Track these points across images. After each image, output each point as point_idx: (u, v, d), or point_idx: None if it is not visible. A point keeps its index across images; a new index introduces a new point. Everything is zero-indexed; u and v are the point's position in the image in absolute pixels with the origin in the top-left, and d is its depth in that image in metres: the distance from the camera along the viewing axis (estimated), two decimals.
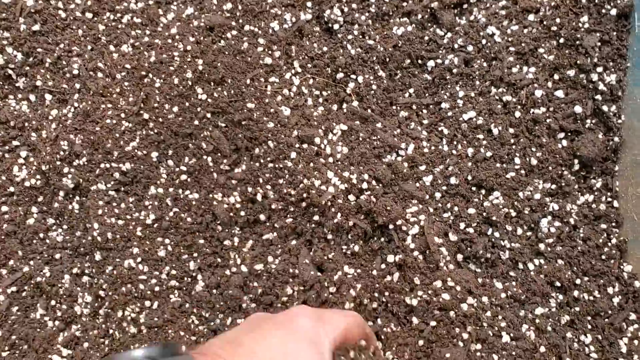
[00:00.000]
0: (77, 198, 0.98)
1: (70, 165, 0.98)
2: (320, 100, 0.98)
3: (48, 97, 1.01)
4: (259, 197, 0.92)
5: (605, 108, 0.90)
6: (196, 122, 0.94)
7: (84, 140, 0.97)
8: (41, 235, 0.98)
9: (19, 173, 0.99)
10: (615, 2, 0.91)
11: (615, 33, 0.91)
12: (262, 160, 0.93)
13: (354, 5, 1.00)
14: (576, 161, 0.90)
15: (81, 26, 1.03)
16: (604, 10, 0.91)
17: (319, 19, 1.01)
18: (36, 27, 1.01)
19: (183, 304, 0.92)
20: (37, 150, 1.00)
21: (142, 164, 0.96)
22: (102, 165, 0.97)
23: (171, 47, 0.99)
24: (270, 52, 0.99)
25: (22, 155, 1.00)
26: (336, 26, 0.99)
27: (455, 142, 0.94)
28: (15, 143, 1.00)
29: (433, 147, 0.94)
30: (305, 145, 0.93)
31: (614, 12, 0.91)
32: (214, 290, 0.93)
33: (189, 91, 0.95)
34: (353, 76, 0.98)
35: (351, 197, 0.91)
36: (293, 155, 0.92)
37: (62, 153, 0.98)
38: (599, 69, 0.90)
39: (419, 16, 1.00)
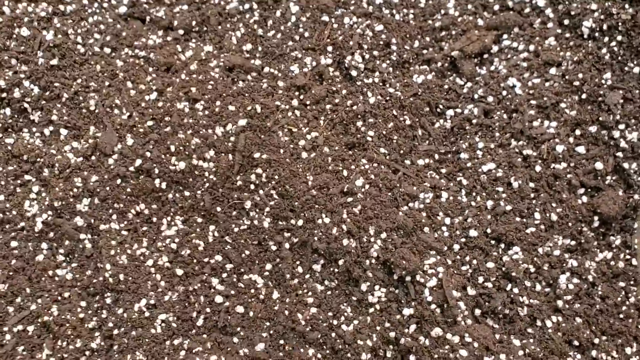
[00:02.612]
0: (89, 236, 0.94)
1: (82, 202, 0.94)
2: (337, 148, 0.95)
3: (63, 132, 0.98)
4: (273, 247, 0.90)
5: (626, 165, 0.88)
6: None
7: (98, 178, 0.94)
8: (50, 272, 0.94)
9: (30, 208, 0.96)
10: (638, 60, 0.89)
11: (638, 91, 0.89)
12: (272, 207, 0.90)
13: (375, 53, 0.98)
14: (596, 218, 0.88)
15: (99, 61, 1.01)
16: (627, 68, 0.90)
17: (340, 64, 0.99)
18: (54, 62, 0.99)
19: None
20: (49, 185, 0.96)
21: (155, 203, 0.93)
22: (115, 205, 0.93)
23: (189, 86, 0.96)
24: (289, 97, 0.96)
25: (34, 190, 0.96)
26: (355, 72, 0.97)
27: (474, 194, 0.91)
28: (27, 177, 0.97)
29: (451, 198, 0.91)
30: (322, 192, 0.91)
31: (637, 70, 0.89)
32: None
33: (208, 130, 0.92)
34: (372, 120, 0.95)
35: (368, 246, 0.88)
36: (306, 198, 0.89)
37: (75, 190, 0.95)
38: (621, 126, 0.89)
39: (439, 64, 0.98)
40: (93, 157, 0.96)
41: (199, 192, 0.93)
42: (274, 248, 0.90)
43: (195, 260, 0.91)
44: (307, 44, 1.00)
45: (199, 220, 0.93)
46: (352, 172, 0.93)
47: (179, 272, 0.90)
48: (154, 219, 0.94)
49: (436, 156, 0.95)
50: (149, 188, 0.93)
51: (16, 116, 0.99)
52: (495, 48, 0.97)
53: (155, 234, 0.93)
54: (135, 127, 0.96)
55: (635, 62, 0.89)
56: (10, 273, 0.94)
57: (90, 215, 0.94)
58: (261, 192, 0.92)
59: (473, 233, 0.89)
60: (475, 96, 0.95)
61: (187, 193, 0.93)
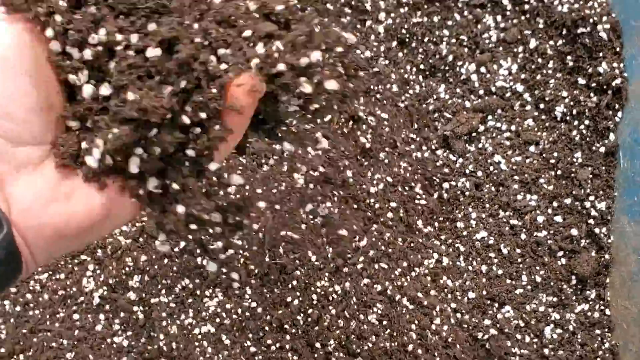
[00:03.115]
0: (142, 308, 1.08)
1: (134, 279, 1.09)
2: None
3: None
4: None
5: (597, 230, 1.03)
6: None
7: (147, 257, 1.08)
8: (109, 340, 1.09)
9: (87, 285, 1.10)
10: (603, 141, 1.04)
11: (604, 168, 1.04)
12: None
13: (380, 138, 1.12)
14: (573, 277, 1.03)
15: None
16: (594, 148, 1.04)
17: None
18: None
19: None
20: (103, 265, 1.10)
21: (198, 278, 1.08)
22: (163, 281, 1.08)
23: None
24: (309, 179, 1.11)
25: (90, 269, 1.10)
26: (363, 159, 1.12)
27: (470, 259, 1.06)
28: (83, 257, 1.11)
29: (451, 263, 1.06)
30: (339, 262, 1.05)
31: (602, 150, 1.04)
32: None
33: None
34: (379, 197, 1.10)
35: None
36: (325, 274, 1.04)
37: (127, 268, 1.09)
38: (591, 198, 1.03)
39: (434, 142, 1.12)
40: (141, 239, 1.11)
41: (234, 264, 1.07)
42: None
43: (235, 328, 1.06)
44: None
45: (237, 291, 1.07)
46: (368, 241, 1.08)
47: (224, 338, 1.05)
48: (198, 292, 1.08)
49: (436, 224, 1.10)
50: (192, 266, 1.08)
51: None
52: (481, 128, 1.11)
53: (199, 305, 1.08)
54: None
55: (600, 143, 1.04)
56: (75, 342, 1.08)
57: (141, 290, 1.08)
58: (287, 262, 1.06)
59: (471, 295, 1.04)
60: (467, 171, 1.10)
61: (224, 269, 1.07)
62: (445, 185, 1.10)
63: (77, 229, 0.44)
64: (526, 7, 1.11)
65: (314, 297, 1.03)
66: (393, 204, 1.09)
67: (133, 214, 0.49)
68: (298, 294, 1.04)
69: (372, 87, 1.14)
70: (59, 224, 0.43)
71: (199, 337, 1.06)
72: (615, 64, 1.02)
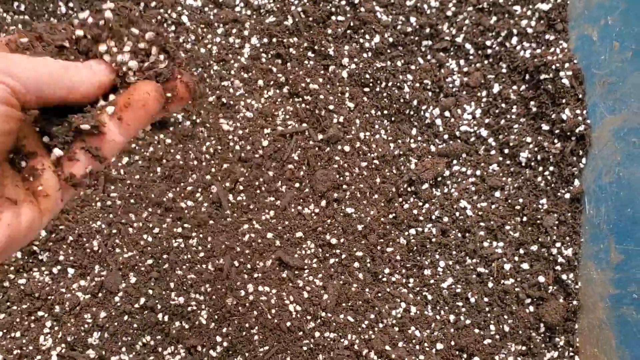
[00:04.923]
0: None
1: (93, 336, 1.01)
2: (328, 272, 1.04)
3: (70, 271, 1.04)
4: None
5: (564, 277, 0.99)
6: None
7: (106, 314, 1.01)
8: None
9: (44, 342, 1.02)
10: (568, 187, 1.00)
11: (569, 214, 1.00)
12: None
13: (345, 184, 1.07)
14: (542, 325, 0.98)
15: (98, 202, 1.07)
16: (559, 194, 1.00)
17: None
18: None
19: None
20: (61, 321, 1.02)
21: (160, 334, 1.01)
22: (123, 338, 1.00)
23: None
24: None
25: (47, 326, 1.03)
26: (336, 204, 1.06)
27: (438, 308, 1.01)
28: (40, 313, 1.03)
29: (419, 312, 1.01)
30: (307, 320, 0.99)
31: (568, 196, 1.00)
32: None
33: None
34: (344, 247, 1.04)
35: None
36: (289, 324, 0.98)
37: (86, 325, 1.01)
38: (558, 244, 0.99)
39: (401, 188, 1.07)
40: (100, 295, 1.03)
41: (197, 322, 1.00)
42: None
43: None
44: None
45: (199, 348, 1.00)
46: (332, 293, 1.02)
47: None
48: (159, 349, 1.01)
49: (403, 271, 1.04)
50: (153, 322, 1.01)
51: (26, 258, 1.05)
52: (447, 172, 1.07)
53: None
54: (137, 266, 1.03)
55: (565, 190, 1.00)
56: None
57: (101, 347, 1.01)
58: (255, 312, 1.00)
59: (440, 346, 0.98)
60: (433, 217, 1.05)
61: (186, 325, 1.01)
62: (412, 231, 1.05)
63: None
64: (489, 51, 1.08)
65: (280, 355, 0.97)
66: (359, 253, 1.04)
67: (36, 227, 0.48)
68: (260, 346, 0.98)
69: (339, 134, 1.08)
70: None
71: None
72: (578, 111, 0.98)
